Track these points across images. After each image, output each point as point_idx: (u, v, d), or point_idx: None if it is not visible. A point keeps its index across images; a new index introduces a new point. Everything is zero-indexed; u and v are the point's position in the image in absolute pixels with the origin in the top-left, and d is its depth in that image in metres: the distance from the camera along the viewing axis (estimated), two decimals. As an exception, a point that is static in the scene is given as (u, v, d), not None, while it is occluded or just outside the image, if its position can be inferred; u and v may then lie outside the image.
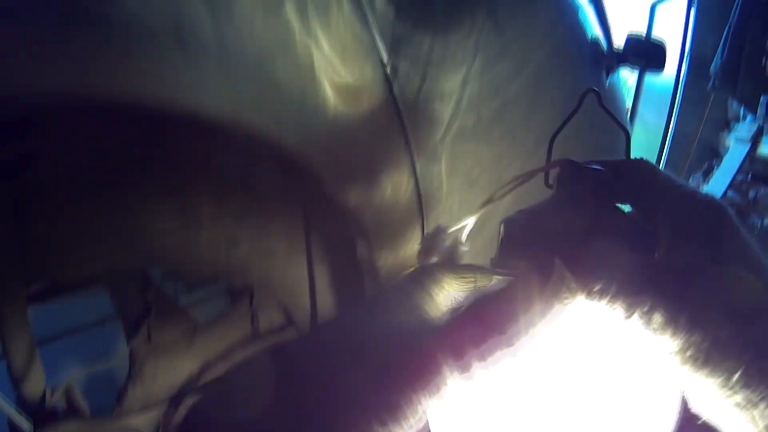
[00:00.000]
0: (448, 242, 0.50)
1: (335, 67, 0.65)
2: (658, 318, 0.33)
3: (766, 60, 3.20)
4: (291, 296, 0.95)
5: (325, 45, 0.63)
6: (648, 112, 4.58)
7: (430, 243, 0.50)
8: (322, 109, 0.65)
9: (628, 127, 2.02)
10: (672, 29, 4.18)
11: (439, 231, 0.50)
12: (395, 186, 0.78)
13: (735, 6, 3.42)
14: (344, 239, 0.86)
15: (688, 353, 0.33)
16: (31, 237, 0.76)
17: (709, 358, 0.32)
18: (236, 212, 0.88)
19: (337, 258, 0.92)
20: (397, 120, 0.72)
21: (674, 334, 0.33)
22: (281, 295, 0.94)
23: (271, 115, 0.61)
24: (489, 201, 0.49)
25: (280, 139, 0.63)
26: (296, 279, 0.95)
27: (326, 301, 0.96)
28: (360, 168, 0.74)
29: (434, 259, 0.49)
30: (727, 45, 3.32)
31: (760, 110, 3.20)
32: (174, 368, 1.04)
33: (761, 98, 3.22)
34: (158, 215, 0.85)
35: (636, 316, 0.34)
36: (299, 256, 0.92)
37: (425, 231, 0.86)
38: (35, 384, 0.78)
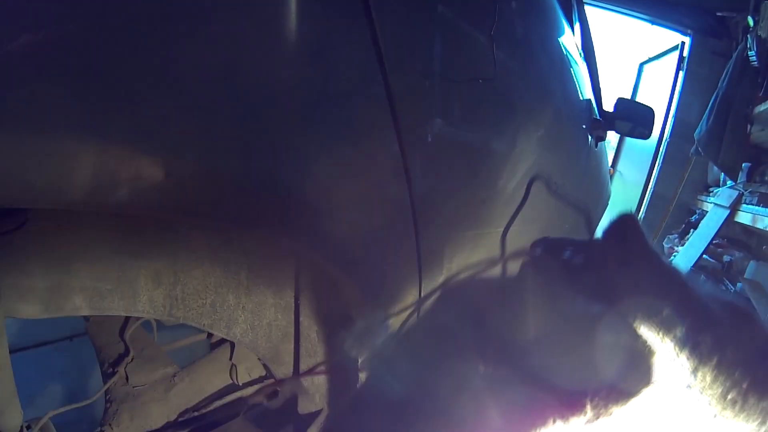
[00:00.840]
0: None
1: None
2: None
3: (750, 128, 3.29)
4: (273, 351, 0.96)
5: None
6: (628, 170, 4.67)
7: None
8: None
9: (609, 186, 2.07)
10: (659, 89, 4.30)
11: None
12: (395, 244, 0.79)
13: (725, 73, 3.52)
14: (335, 297, 0.87)
15: (729, 396, 0.37)
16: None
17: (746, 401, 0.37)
18: (226, 267, 0.89)
19: (327, 316, 0.93)
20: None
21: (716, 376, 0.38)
22: (263, 347, 0.95)
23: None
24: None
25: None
26: (281, 333, 0.96)
27: (311, 354, 0.97)
28: (359, 226, 0.75)
29: None
30: (714, 111, 3.40)
31: (741, 177, 3.28)
32: (151, 413, 1.04)
33: (742, 165, 3.30)
34: (149, 274, 0.86)
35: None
36: (287, 311, 0.93)
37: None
38: (12, 419, 0.78)
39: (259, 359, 1.04)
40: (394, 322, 0.81)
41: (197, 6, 0.46)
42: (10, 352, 0.75)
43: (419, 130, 0.70)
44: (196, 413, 1.04)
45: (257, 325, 0.94)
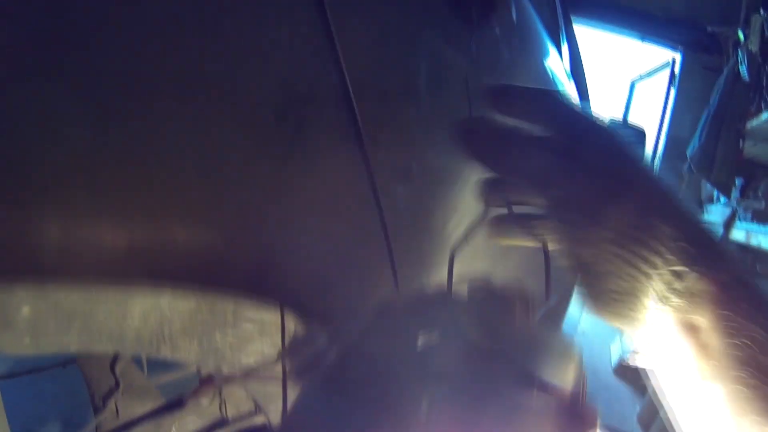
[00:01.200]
0: None
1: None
2: None
3: (742, 144, 3.30)
4: (262, 386, 0.96)
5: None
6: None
7: None
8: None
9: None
10: (651, 107, 4.33)
11: None
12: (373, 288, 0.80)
13: (716, 90, 3.54)
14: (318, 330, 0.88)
15: None
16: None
17: None
18: (212, 306, 0.90)
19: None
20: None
21: None
22: (251, 384, 0.95)
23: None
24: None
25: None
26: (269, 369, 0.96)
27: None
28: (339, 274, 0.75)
29: None
30: (706, 127, 3.42)
31: (735, 194, 3.29)
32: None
33: (735, 182, 3.31)
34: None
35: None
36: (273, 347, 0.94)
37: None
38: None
39: (247, 394, 1.04)
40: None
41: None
42: (3, 378, 0.75)
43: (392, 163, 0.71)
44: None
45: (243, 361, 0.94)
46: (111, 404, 1.11)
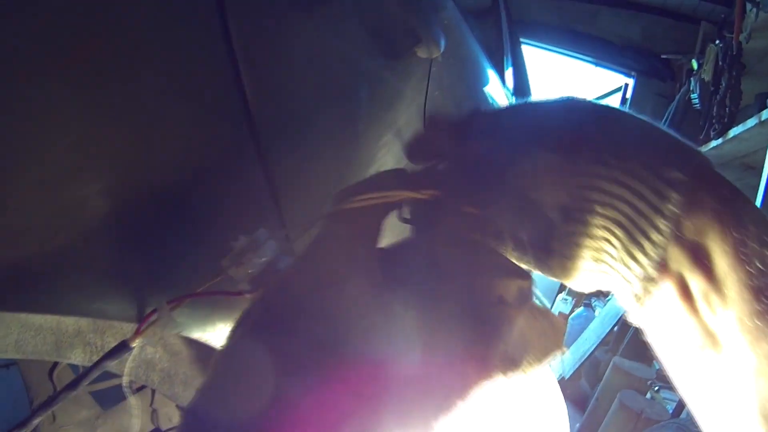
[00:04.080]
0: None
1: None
2: None
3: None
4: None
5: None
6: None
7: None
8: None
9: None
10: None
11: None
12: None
13: (667, 114, 3.67)
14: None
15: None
16: None
17: None
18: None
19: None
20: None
21: None
22: (180, 395, 1.00)
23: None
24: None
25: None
26: (198, 383, 1.00)
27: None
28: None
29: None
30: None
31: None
32: (73, 455, 1.08)
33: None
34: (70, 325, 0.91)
35: None
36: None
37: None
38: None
39: (176, 406, 1.08)
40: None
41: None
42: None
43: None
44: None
45: (173, 374, 0.98)
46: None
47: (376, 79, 0.84)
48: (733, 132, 2.93)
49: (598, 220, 0.32)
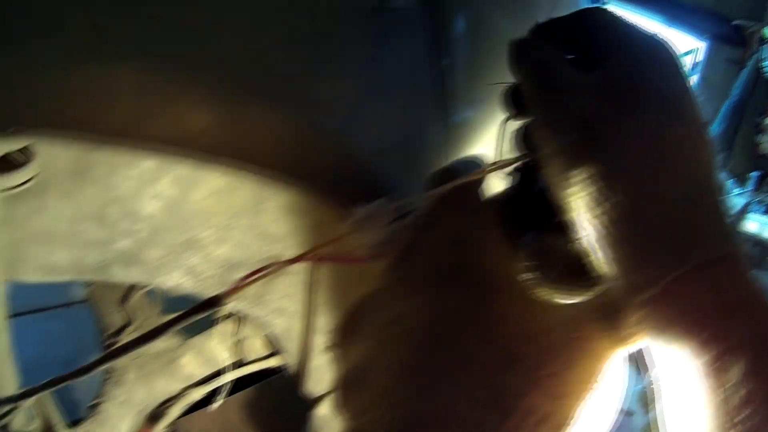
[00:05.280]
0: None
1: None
2: None
3: (760, 138, 3.29)
4: (284, 327, 0.93)
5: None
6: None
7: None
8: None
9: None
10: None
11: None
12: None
13: (738, 83, 3.52)
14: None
15: None
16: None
17: None
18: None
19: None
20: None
21: None
22: (272, 324, 0.93)
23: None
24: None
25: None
26: (291, 313, 0.93)
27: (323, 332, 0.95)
28: None
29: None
30: (725, 119, 3.40)
31: (749, 186, 3.28)
32: (153, 384, 1.02)
33: (751, 174, 3.31)
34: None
35: None
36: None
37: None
38: (7, 384, 0.75)
39: (266, 335, 1.01)
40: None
41: None
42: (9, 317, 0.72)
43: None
44: (201, 386, 1.02)
45: (266, 300, 0.91)
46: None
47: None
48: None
49: None
